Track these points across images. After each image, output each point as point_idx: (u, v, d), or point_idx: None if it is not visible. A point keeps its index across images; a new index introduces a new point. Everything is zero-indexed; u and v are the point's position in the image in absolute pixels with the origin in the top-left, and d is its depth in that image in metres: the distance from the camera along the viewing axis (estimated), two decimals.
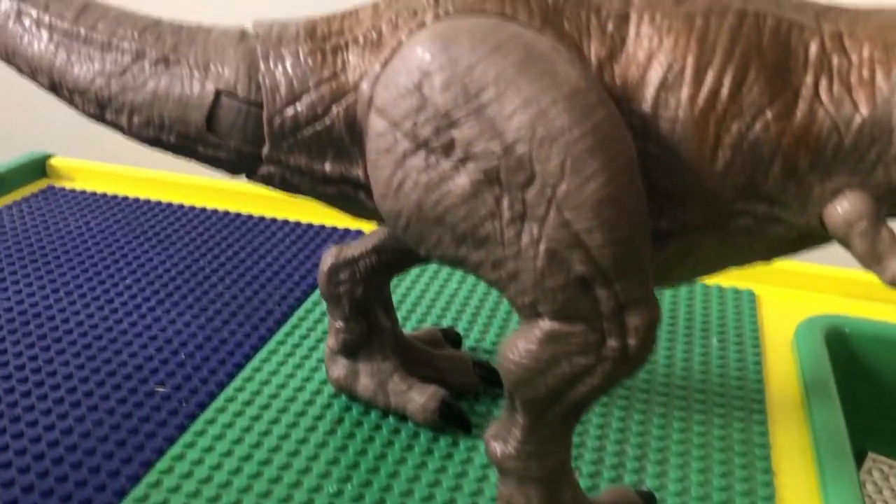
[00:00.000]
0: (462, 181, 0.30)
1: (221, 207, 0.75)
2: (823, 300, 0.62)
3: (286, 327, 0.57)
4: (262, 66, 0.34)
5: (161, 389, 0.50)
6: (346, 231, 0.71)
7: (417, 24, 0.33)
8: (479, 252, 0.31)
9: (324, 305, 0.59)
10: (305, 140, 0.34)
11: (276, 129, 0.34)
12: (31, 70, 0.37)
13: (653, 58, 0.31)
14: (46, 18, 0.36)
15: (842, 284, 0.63)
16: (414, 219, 0.32)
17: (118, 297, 0.59)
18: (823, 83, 0.30)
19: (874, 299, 0.62)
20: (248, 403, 0.49)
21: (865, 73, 0.31)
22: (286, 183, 0.36)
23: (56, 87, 0.36)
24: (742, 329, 0.58)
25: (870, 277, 0.62)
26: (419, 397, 0.46)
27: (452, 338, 0.53)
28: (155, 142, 0.36)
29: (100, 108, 0.36)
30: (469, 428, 0.46)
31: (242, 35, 0.36)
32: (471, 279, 0.63)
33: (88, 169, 0.80)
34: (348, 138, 0.34)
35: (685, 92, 0.31)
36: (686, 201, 0.32)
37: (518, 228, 0.30)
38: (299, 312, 0.59)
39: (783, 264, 0.64)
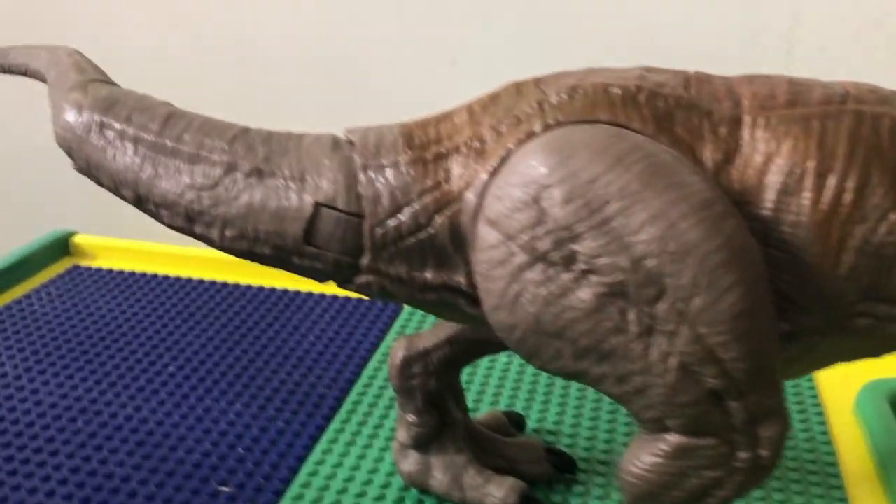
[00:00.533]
0: (585, 295, 0.30)
1: (254, 283, 0.74)
2: (884, 362, 0.62)
3: (341, 414, 0.55)
4: (361, 176, 0.34)
5: (225, 489, 0.48)
6: (385, 307, 0.70)
7: (526, 133, 0.32)
8: (602, 366, 0.30)
9: (375, 389, 0.58)
10: (407, 249, 0.33)
11: (377, 239, 0.33)
12: (115, 183, 0.36)
13: (771, 161, 0.31)
14: (130, 131, 0.35)
15: None
16: (531, 332, 0.31)
17: (164, 387, 0.58)
18: None
19: None
20: (316, 502, 0.47)
21: None
22: (384, 291, 0.35)
23: (141, 200, 0.35)
24: (801, 396, 0.57)
25: None
26: (498, 491, 0.45)
27: (516, 421, 0.52)
28: (247, 254, 0.35)
29: (189, 221, 0.35)
30: None
31: (335, 143, 0.35)
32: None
33: (113, 246, 0.79)
34: (451, 247, 0.33)
35: (807, 197, 0.30)
36: (808, 305, 0.31)
37: (646, 343, 0.29)
38: (351, 396, 0.57)
39: None
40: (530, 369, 0.60)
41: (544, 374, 0.59)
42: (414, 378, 0.45)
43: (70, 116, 0.36)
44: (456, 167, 0.33)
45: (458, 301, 0.35)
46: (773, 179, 0.30)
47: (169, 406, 0.56)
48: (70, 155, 0.36)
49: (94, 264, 0.77)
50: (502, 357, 0.62)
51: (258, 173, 0.34)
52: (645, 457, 0.31)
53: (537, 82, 0.34)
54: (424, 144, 0.34)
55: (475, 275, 0.32)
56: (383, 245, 0.34)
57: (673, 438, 0.30)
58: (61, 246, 0.78)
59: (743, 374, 0.29)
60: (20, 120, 0.90)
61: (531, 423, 0.54)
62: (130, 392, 0.57)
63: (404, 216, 0.33)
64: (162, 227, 0.93)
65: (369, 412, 0.55)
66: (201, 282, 0.74)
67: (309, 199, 0.34)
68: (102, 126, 0.35)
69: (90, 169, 0.36)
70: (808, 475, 0.50)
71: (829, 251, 0.30)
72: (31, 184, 0.94)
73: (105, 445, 0.52)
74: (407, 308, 0.69)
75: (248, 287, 0.73)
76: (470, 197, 0.32)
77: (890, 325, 0.32)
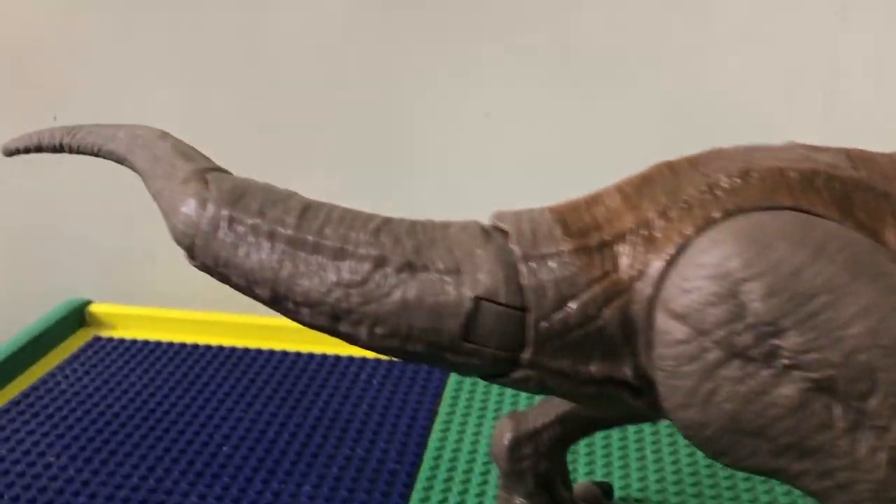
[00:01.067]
0: (788, 391, 0.28)
1: (290, 348, 0.71)
2: None
3: (417, 491, 0.53)
4: (522, 268, 0.32)
5: None
6: (431, 370, 0.67)
7: (704, 220, 0.31)
8: (804, 463, 0.29)
9: (445, 462, 0.56)
10: (573, 342, 0.32)
11: (542, 333, 0.32)
12: (248, 282, 0.33)
13: None
14: (265, 226, 0.33)
15: None
16: (725, 431, 0.30)
17: (224, 469, 0.55)
18: None
19: None
20: None
21: None
22: (542, 386, 0.33)
23: (279, 299, 0.33)
24: None
25: None
26: None
27: (607, 491, 0.51)
28: (395, 351, 0.33)
29: (334, 320, 0.33)
30: None
31: (485, 232, 0.33)
32: None
33: (132, 314, 0.75)
34: (621, 339, 0.32)
35: None
36: None
37: (853, 438, 0.28)
38: (423, 472, 0.55)
39: None
40: (602, 435, 0.58)
41: (617, 439, 0.58)
42: (524, 459, 0.43)
43: (193, 211, 0.33)
44: (623, 255, 0.32)
45: (621, 394, 0.33)
46: None
47: (235, 491, 0.53)
48: (191, 252, 0.34)
49: (115, 334, 0.73)
50: None
51: (410, 267, 0.32)
52: None
53: (693, 163, 0.33)
54: (584, 231, 0.32)
55: (655, 370, 0.31)
56: (548, 338, 0.32)
57: None
58: (78, 316, 0.74)
59: None
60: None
61: (618, 493, 0.53)
62: (190, 479, 0.54)
63: (572, 308, 0.31)
64: (175, 291, 0.90)
65: (447, 488, 0.53)
66: (233, 349, 0.71)
67: (468, 294, 0.32)
68: (232, 221, 0.33)
69: (217, 267, 0.33)
70: None
71: None
72: (31, 252, 0.90)
73: None
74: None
75: (285, 353, 0.70)
76: (643, 287, 0.31)
77: None
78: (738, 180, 0.31)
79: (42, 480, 0.54)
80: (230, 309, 0.78)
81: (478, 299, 0.32)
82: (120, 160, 0.40)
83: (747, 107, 0.71)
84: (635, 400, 0.33)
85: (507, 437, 0.44)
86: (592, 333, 0.32)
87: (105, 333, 0.73)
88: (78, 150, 0.42)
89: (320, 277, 0.32)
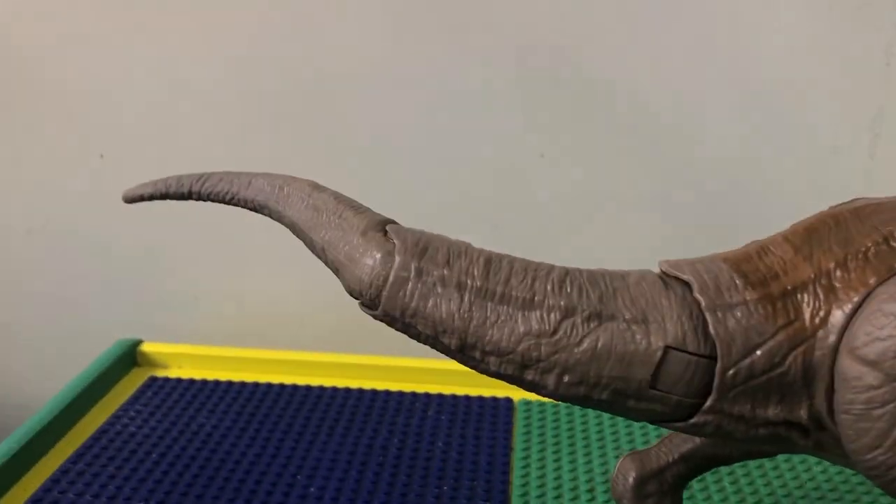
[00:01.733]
0: None
1: (344, 384, 0.71)
2: None
3: None
4: (709, 318, 0.33)
5: None
6: (495, 399, 0.68)
7: (887, 271, 0.33)
8: None
9: (533, 498, 0.57)
10: (755, 388, 0.33)
11: (728, 380, 0.33)
12: (437, 332, 0.34)
13: None
14: (454, 277, 0.34)
15: None
16: None
17: None
18: None
19: None
20: None
21: None
22: (719, 429, 0.34)
23: (467, 348, 0.34)
24: None
25: None
26: None
27: None
28: (580, 399, 0.34)
29: (522, 368, 0.33)
30: None
31: (664, 282, 0.35)
32: None
33: (183, 353, 0.74)
34: (801, 383, 0.33)
35: None
36: None
37: None
38: (514, 501, 0.56)
39: None
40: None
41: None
42: (649, 498, 0.44)
43: (379, 263, 0.34)
44: (805, 304, 0.33)
45: (791, 434, 0.34)
46: None
47: None
48: (374, 302, 0.34)
49: (170, 374, 0.73)
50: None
51: (598, 317, 0.33)
52: None
53: (856, 214, 0.35)
54: (764, 281, 0.34)
55: (839, 414, 0.33)
56: (733, 385, 0.33)
57: None
58: (130, 357, 0.74)
59: None
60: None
61: None
62: None
63: (758, 356, 0.33)
64: (213, 328, 0.89)
65: None
66: (294, 387, 0.71)
67: (658, 343, 0.33)
68: (421, 272, 0.34)
69: (404, 317, 0.34)
70: None
71: None
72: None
73: None
74: (521, 402, 0.68)
75: (347, 389, 0.70)
76: (826, 335, 0.33)
77: None
78: None
79: None
80: (277, 345, 0.78)
81: (668, 348, 0.33)
82: (258, 208, 0.40)
83: (793, 150, 0.74)
84: (805, 440, 0.35)
85: (631, 476, 0.45)
86: (775, 379, 0.33)
87: (160, 373, 0.73)
88: (207, 198, 0.42)
89: (510, 328, 0.33)
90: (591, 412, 0.66)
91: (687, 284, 0.35)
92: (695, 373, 0.33)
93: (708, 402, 0.34)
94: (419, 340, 0.35)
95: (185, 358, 0.75)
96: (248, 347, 0.75)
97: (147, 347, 0.75)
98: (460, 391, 0.70)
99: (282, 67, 0.78)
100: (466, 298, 0.34)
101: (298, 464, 0.60)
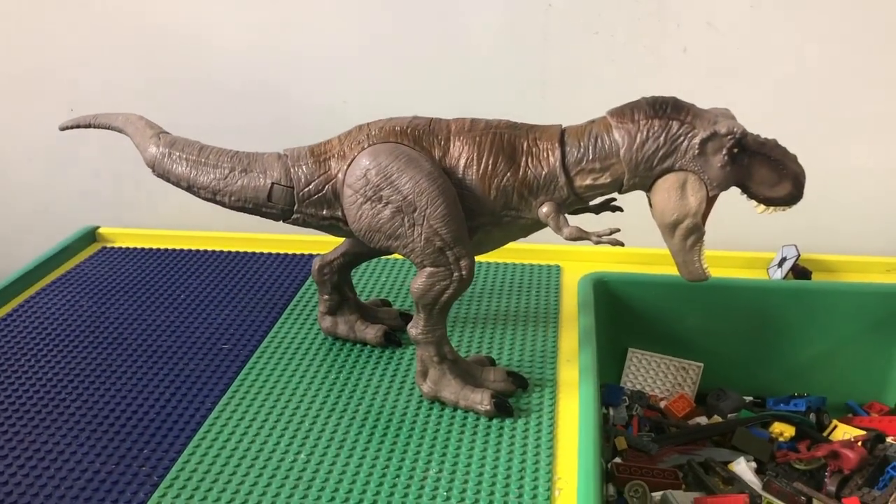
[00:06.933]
0: (386, 213, 0.72)
1: (265, 250, 1.15)
2: (594, 265, 1.07)
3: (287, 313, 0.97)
4: (292, 170, 0.76)
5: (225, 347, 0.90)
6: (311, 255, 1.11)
7: (360, 148, 0.75)
8: (394, 241, 0.73)
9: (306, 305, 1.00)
10: (314, 201, 0.76)
11: (300, 197, 0.76)
12: (187, 185, 0.77)
13: (461, 155, 0.73)
14: (184, 156, 0.77)
15: (603, 256, 1.08)
16: (366, 231, 0.74)
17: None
18: (529, 160, 0.73)
19: (621, 262, 1.07)
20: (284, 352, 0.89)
21: (549, 156, 0.74)
22: (305, 223, 0.77)
23: (191, 187, 0.77)
24: (550, 283, 1.01)
25: (619, 251, 1.06)
26: (372, 331, 0.88)
27: (387, 303, 0.95)
28: (240, 209, 0.77)
29: (213, 195, 0.77)
30: (400, 343, 0.88)
31: (279, 156, 0.77)
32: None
33: (134, 234, 1.18)
34: (333, 199, 0.76)
35: (474, 168, 0.73)
36: (479, 214, 0.74)
37: (411, 229, 0.72)
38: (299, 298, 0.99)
39: (574, 248, 1.08)
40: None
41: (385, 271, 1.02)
42: (325, 275, 0.88)
43: (153, 151, 0.78)
44: (333, 163, 0.75)
45: (339, 224, 0.77)
46: (462, 162, 0.73)
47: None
48: (153, 169, 0.78)
49: (121, 245, 1.17)
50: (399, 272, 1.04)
51: (244, 171, 0.76)
52: (418, 280, 0.73)
53: (367, 125, 0.77)
54: (318, 154, 0.76)
55: (346, 210, 0.75)
56: (303, 200, 0.76)
57: (426, 270, 0.73)
58: (88, 238, 1.18)
59: (451, 238, 0.72)
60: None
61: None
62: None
63: (312, 186, 0.75)
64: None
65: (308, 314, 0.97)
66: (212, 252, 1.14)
67: (269, 182, 0.76)
68: (170, 154, 0.77)
69: (166, 175, 0.78)
70: (540, 322, 0.94)
71: (485, 190, 0.73)
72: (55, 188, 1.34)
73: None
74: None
75: (263, 253, 1.14)
76: (340, 176, 0.75)
77: (518, 220, 0.74)
78: (376, 130, 0.75)
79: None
80: (202, 226, 1.22)
81: (273, 184, 0.76)
82: (118, 130, 0.84)
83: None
84: (346, 226, 0.77)
85: (317, 264, 0.88)
86: (322, 197, 0.76)
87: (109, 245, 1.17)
88: (96, 126, 0.86)
89: (206, 177, 0.76)
90: None
91: (286, 155, 0.77)
92: (286, 195, 0.76)
93: (295, 209, 0.76)
94: (182, 189, 0.78)
95: (136, 237, 1.18)
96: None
97: (105, 230, 1.19)
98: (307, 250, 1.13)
99: None
100: (189, 165, 0.77)
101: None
